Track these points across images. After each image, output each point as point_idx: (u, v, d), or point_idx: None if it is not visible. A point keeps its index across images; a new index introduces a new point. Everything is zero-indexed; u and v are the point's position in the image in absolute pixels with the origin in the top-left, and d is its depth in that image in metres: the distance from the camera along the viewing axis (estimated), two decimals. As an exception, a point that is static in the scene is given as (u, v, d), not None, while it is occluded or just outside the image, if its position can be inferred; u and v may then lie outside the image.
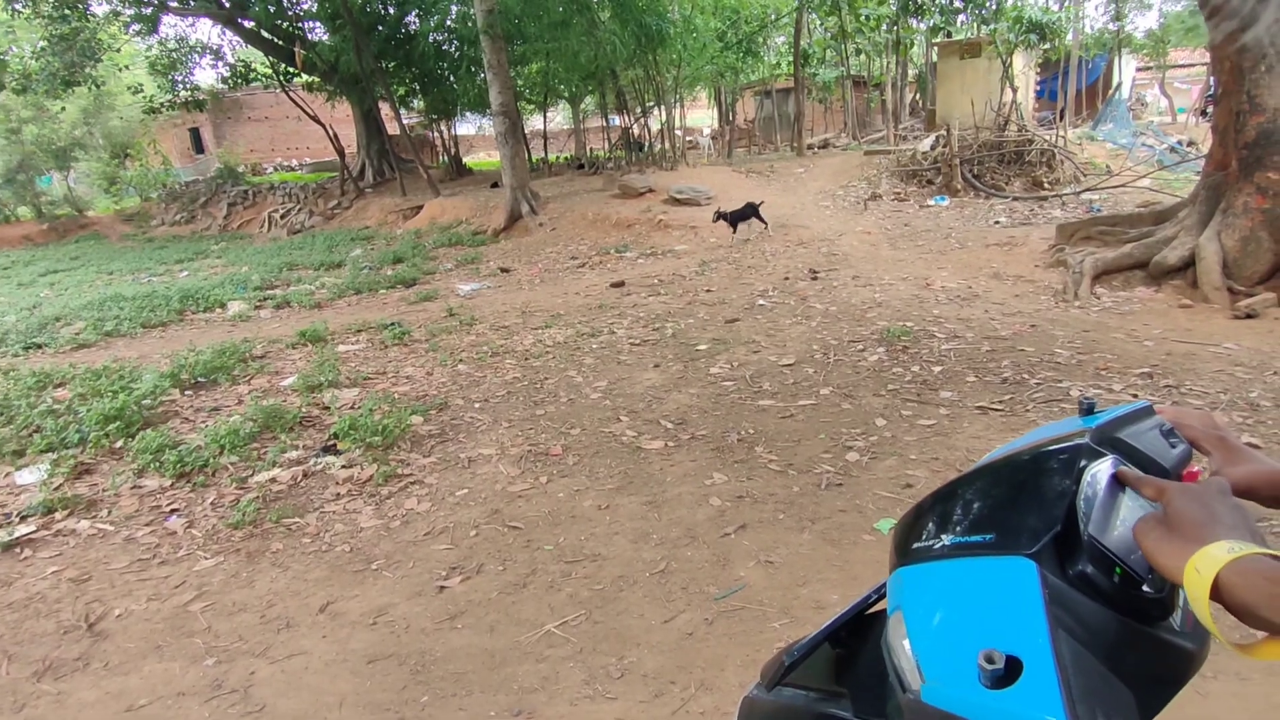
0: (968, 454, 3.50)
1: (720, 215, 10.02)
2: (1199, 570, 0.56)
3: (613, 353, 5.66)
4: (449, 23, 18.53)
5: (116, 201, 25.47)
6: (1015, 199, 11.71)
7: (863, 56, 23.29)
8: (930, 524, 0.76)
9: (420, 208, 16.04)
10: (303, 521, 3.38)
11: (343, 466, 3.87)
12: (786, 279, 7.66)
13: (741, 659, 2.29)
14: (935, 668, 0.64)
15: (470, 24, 14.57)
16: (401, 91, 20.94)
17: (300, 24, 19.79)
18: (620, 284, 8.15)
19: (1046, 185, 12.15)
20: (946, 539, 0.73)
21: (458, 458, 3.97)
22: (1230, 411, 3.74)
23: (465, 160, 23.74)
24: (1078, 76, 18.62)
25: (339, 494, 3.62)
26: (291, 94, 20.14)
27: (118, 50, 20.05)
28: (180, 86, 20.86)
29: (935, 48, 19.77)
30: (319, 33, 19.85)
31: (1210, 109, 12.24)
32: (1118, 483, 0.68)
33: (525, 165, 15.16)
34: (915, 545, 0.76)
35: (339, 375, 5.31)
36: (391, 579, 2.91)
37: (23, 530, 3.37)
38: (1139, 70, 26.31)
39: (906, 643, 0.68)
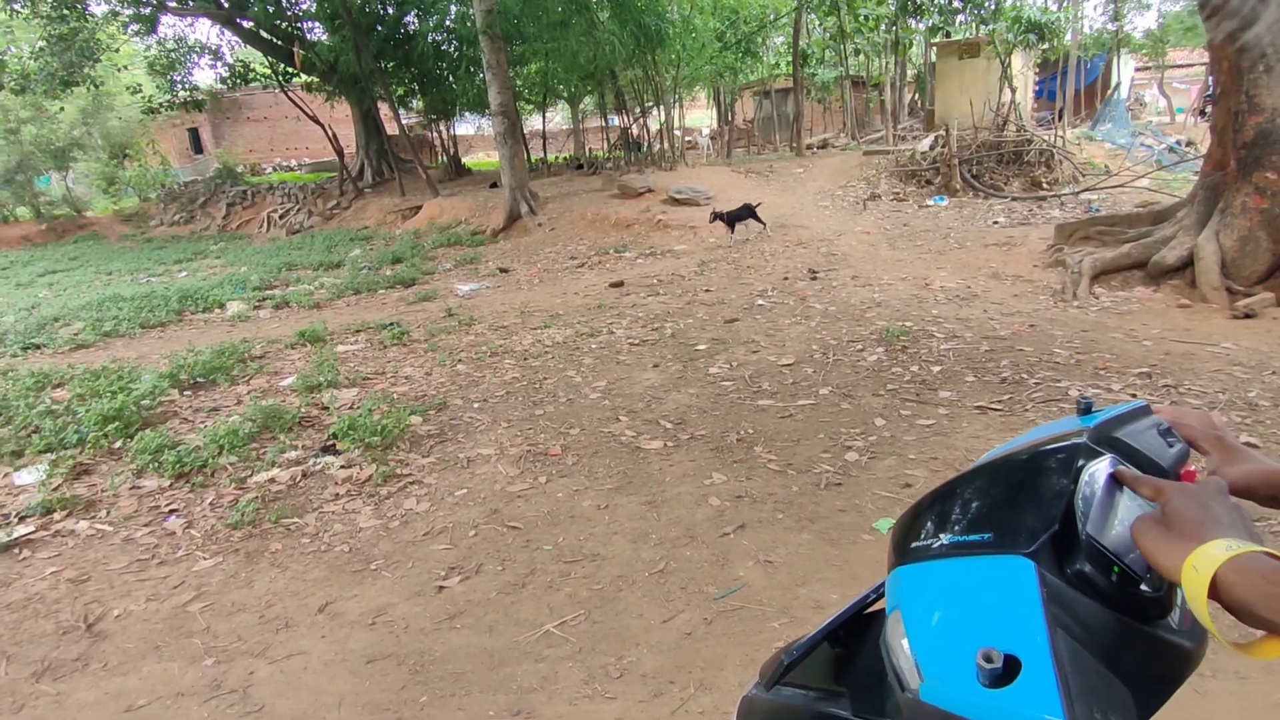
0: (967, 453, 3.50)
1: (716, 215, 10.02)
2: (1197, 568, 0.56)
3: (612, 353, 5.67)
4: (448, 23, 18.53)
5: (115, 202, 25.44)
6: (1014, 199, 11.72)
7: (861, 57, 23.30)
8: (929, 523, 0.77)
9: (419, 208, 16.04)
10: (302, 522, 3.38)
11: (342, 467, 3.87)
12: (786, 279, 7.67)
13: (740, 658, 2.29)
14: (934, 667, 0.64)
15: (469, 24, 14.57)
16: (400, 91, 20.94)
17: (299, 24, 19.78)
18: (619, 284, 8.15)
19: (1045, 185, 12.16)
20: (945, 538, 0.73)
21: (457, 458, 3.97)
22: (1229, 411, 3.74)
23: (464, 160, 23.74)
24: (1076, 76, 18.64)
25: (338, 494, 3.62)
26: (290, 94, 20.14)
27: (116, 50, 20.02)
28: (179, 87, 20.84)
29: (934, 48, 19.79)
30: (318, 33, 19.85)
31: (1209, 109, 12.27)
32: (1115, 482, 0.68)
33: (524, 165, 15.17)
34: (914, 544, 0.76)
35: (338, 375, 5.30)
36: (390, 579, 2.91)
37: (21, 531, 3.37)
38: (1137, 70, 26.32)
39: (905, 642, 0.68)
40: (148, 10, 18.19)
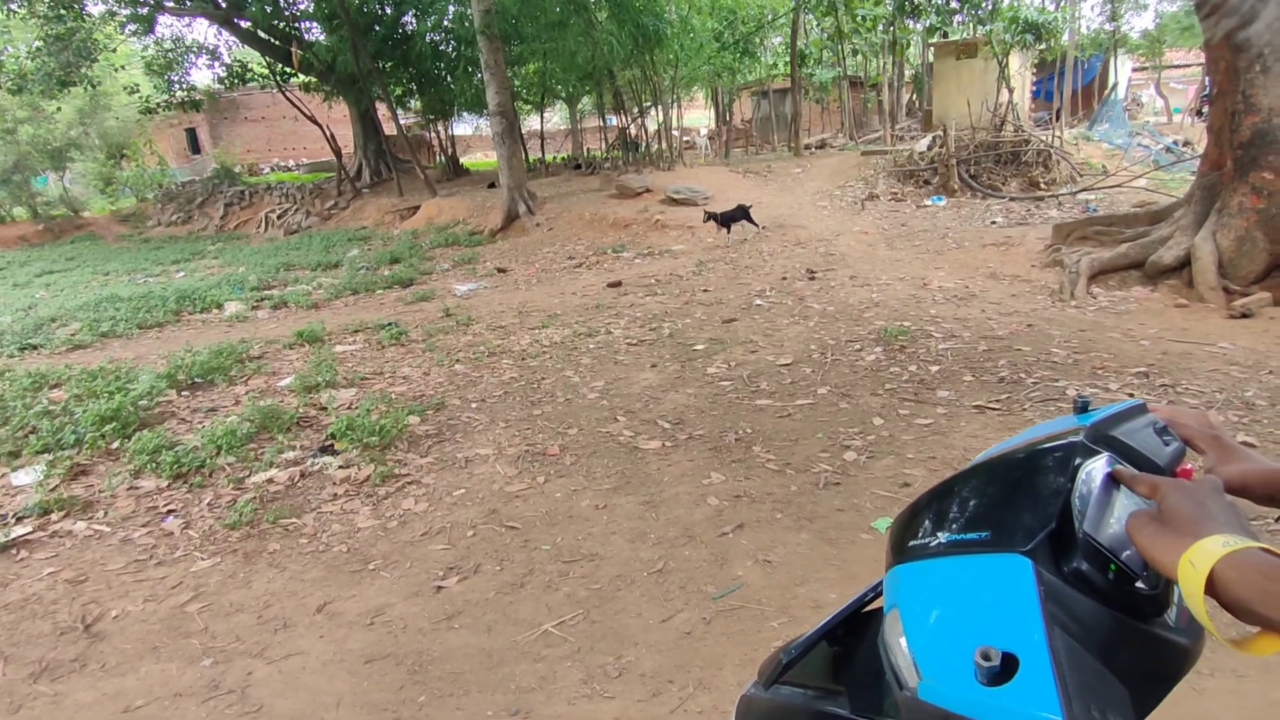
0: (965, 453, 3.51)
1: (710, 216, 10.01)
2: (1194, 564, 0.56)
3: (610, 353, 5.67)
4: (446, 23, 18.51)
5: (112, 202, 25.39)
6: (1012, 199, 11.74)
7: (859, 57, 23.31)
8: (926, 522, 0.77)
9: (417, 208, 16.03)
10: (300, 522, 3.38)
11: (340, 467, 3.87)
12: (784, 279, 7.67)
13: (739, 658, 2.29)
14: (932, 665, 0.64)
15: (467, 24, 14.57)
16: (398, 92, 20.92)
17: (297, 24, 19.76)
18: (617, 284, 8.15)
19: (1043, 185, 12.18)
20: (942, 537, 0.73)
21: (455, 458, 3.96)
22: (1226, 411, 3.75)
23: (462, 160, 23.73)
24: (1074, 77, 18.65)
25: (336, 494, 3.62)
26: (288, 94, 20.11)
27: (114, 50, 20.01)
28: (176, 87, 20.80)
29: (931, 48, 19.79)
30: (316, 33, 19.84)
31: (1205, 109, 12.29)
32: (1112, 480, 0.68)
33: (522, 165, 15.17)
34: (911, 543, 0.76)
35: (336, 375, 5.30)
36: (389, 579, 2.91)
37: (19, 531, 3.36)
38: (1135, 70, 26.36)
39: (903, 640, 0.68)
40: (145, 10, 18.16)
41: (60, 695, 2.36)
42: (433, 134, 23.91)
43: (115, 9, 17.97)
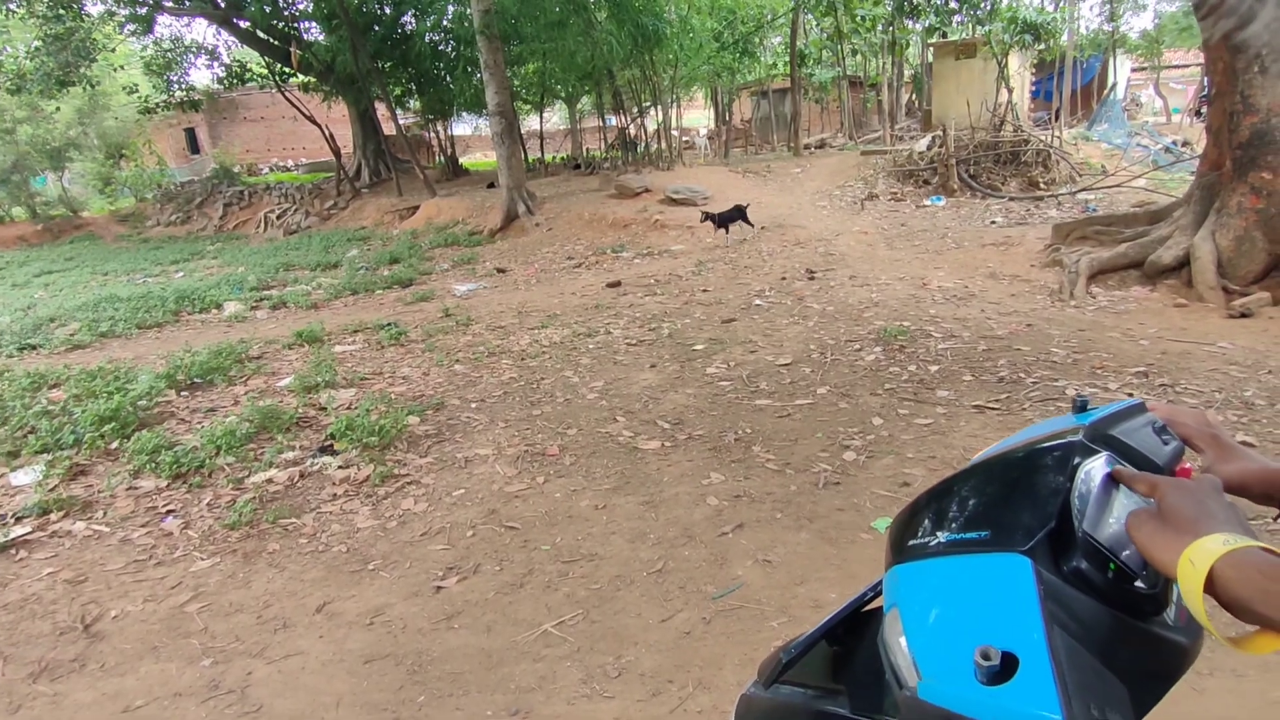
0: (964, 452, 3.51)
1: (707, 216, 10.02)
2: (1193, 562, 0.56)
3: (609, 353, 5.67)
4: (445, 23, 18.51)
5: (111, 202, 25.38)
6: (1011, 199, 11.74)
7: (859, 57, 23.31)
8: (926, 521, 0.77)
9: (416, 208, 16.02)
10: (299, 522, 3.38)
11: (339, 467, 3.86)
12: (783, 279, 7.67)
13: (739, 657, 2.29)
14: (932, 664, 0.64)
15: (467, 24, 14.57)
16: (398, 92, 20.91)
17: (296, 24, 19.75)
18: (616, 284, 8.15)
19: (1042, 185, 12.19)
20: (942, 536, 0.73)
21: (454, 458, 3.96)
22: (1225, 410, 3.75)
23: (462, 160, 23.73)
24: (1073, 77, 18.66)
25: (336, 494, 3.62)
26: (287, 94, 20.09)
27: (113, 50, 20.00)
28: (175, 87, 20.79)
29: (931, 48, 19.81)
30: (315, 33, 19.83)
31: (1204, 109, 12.29)
32: (1112, 480, 0.68)
33: (522, 165, 15.16)
34: (911, 543, 0.76)
35: (336, 376, 5.30)
36: (388, 579, 2.91)
37: (18, 531, 3.36)
38: (1134, 71, 26.37)
39: (903, 640, 0.68)
40: (144, 10, 18.16)
41: (60, 695, 2.36)
42: (432, 134, 23.91)
43: (114, 9, 17.96)
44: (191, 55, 20.65)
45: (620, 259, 10.07)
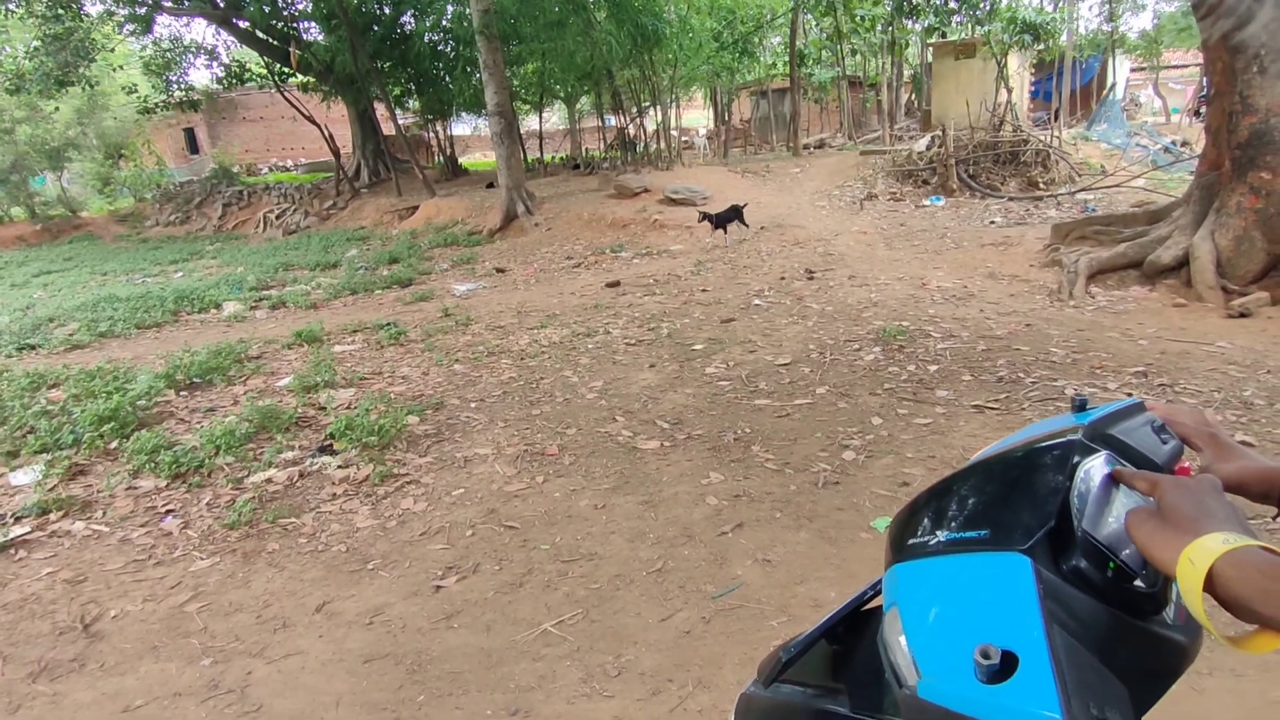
0: (964, 452, 3.51)
1: (705, 216, 10.04)
2: (1193, 561, 0.56)
3: (608, 353, 5.67)
4: (445, 23, 18.50)
5: (110, 202, 25.37)
6: (1010, 199, 11.75)
7: (858, 57, 23.32)
8: (925, 520, 0.77)
9: (416, 208, 16.02)
10: (299, 522, 3.38)
11: (339, 467, 3.86)
12: (782, 279, 7.67)
13: (739, 657, 2.29)
14: (931, 663, 0.64)
15: (466, 24, 14.56)
16: (397, 92, 20.91)
17: (295, 24, 19.74)
18: (616, 284, 8.15)
19: (1042, 185, 12.20)
20: (941, 535, 0.73)
21: (454, 457, 3.96)
22: (1224, 410, 3.76)
23: (461, 160, 23.72)
24: (1072, 77, 18.67)
25: (335, 494, 3.62)
26: (286, 94, 20.09)
27: (112, 50, 20.00)
28: (175, 87, 20.78)
29: (930, 48, 19.82)
30: (314, 33, 19.82)
31: (1203, 109, 12.30)
32: (1111, 479, 0.69)
33: (521, 165, 15.16)
34: (910, 541, 0.76)
35: (335, 375, 5.29)
36: (388, 579, 2.91)
37: (17, 531, 3.36)
38: (1133, 71, 26.39)
39: (903, 638, 0.68)
40: (143, 10, 18.14)
41: (59, 695, 2.36)
42: (431, 134, 23.91)
43: (113, 9, 17.95)
44: (190, 55, 20.65)
45: (619, 259, 10.07)
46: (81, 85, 17.71)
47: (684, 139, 23.15)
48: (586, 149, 24.67)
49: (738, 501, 3.27)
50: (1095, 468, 0.69)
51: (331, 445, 4.09)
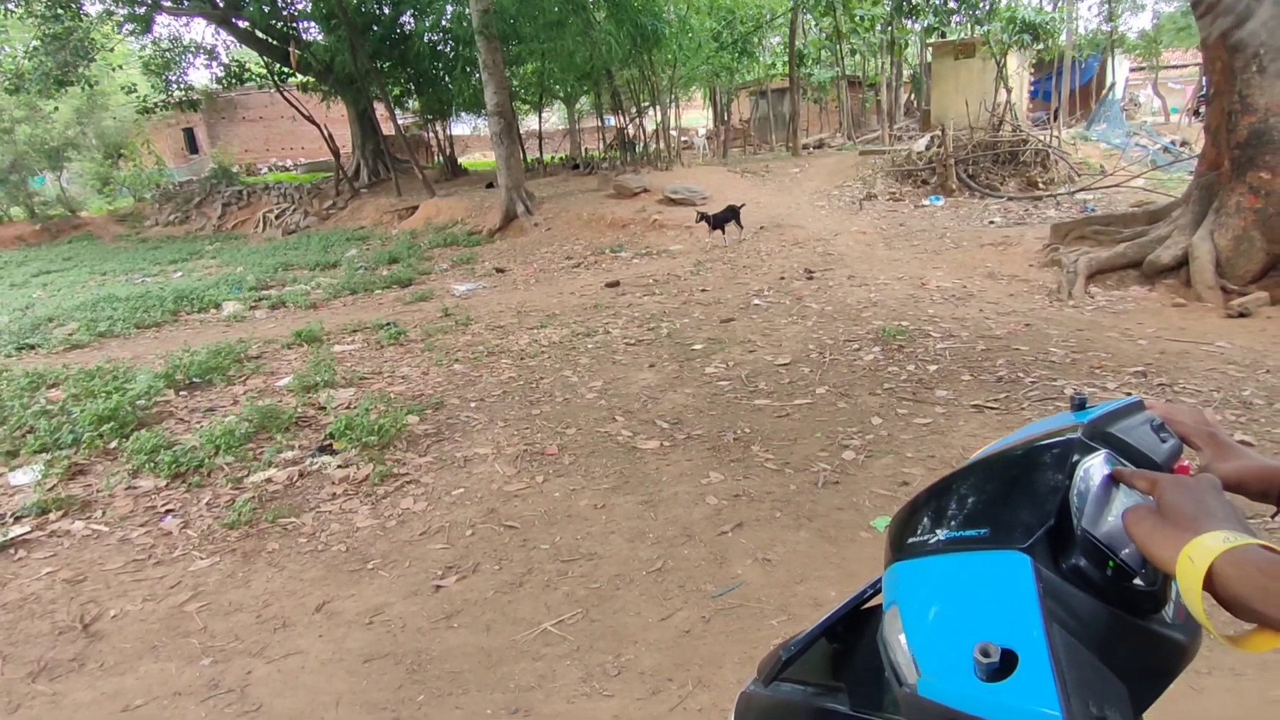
0: (963, 452, 3.51)
1: (703, 217, 10.04)
2: (1193, 559, 0.56)
3: (608, 352, 5.67)
4: (444, 23, 18.49)
5: (110, 202, 25.36)
6: (1010, 199, 11.75)
7: (858, 57, 23.33)
8: (925, 519, 0.77)
9: (415, 208, 16.02)
10: (299, 521, 3.38)
11: (339, 466, 3.86)
12: (782, 279, 7.67)
13: (739, 656, 2.30)
14: (931, 661, 0.64)
15: (465, 24, 14.55)
16: (397, 92, 20.91)
17: (295, 24, 19.73)
18: (615, 284, 8.15)
19: (1041, 185, 12.20)
20: (941, 534, 0.73)
21: (454, 457, 3.96)
22: (1223, 410, 3.76)
23: (460, 160, 23.73)
24: (1071, 77, 18.67)
25: (335, 494, 3.62)
26: (286, 94, 20.08)
27: (111, 50, 19.98)
28: (174, 86, 20.78)
29: (930, 48, 19.81)
30: (313, 32, 19.81)
31: (1202, 109, 12.31)
32: (1111, 478, 0.69)
33: (520, 165, 15.16)
34: (910, 540, 0.76)
35: (335, 375, 5.29)
36: (388, 578, 2.91)
37: (17, 531, 3.36)
38: (1132, 71, 26.40)
39: (902, 637, 0.69)
40: (143, 10, 18.14)
41: (59, 695, 2.36)
42: (431, 134, 23.90)
43: (113, 8, 17.95)
44: (190, 55, 20.65)
45: (619, 259, 10.07)
46: (81, 85, 17.70)
47: (683, 139, 23.13)
48: (586, 149, 24.66)
49: (737, 501, 3.27)
50: (1095, 466, 0.69)
51: (331, 445, 4.09)
